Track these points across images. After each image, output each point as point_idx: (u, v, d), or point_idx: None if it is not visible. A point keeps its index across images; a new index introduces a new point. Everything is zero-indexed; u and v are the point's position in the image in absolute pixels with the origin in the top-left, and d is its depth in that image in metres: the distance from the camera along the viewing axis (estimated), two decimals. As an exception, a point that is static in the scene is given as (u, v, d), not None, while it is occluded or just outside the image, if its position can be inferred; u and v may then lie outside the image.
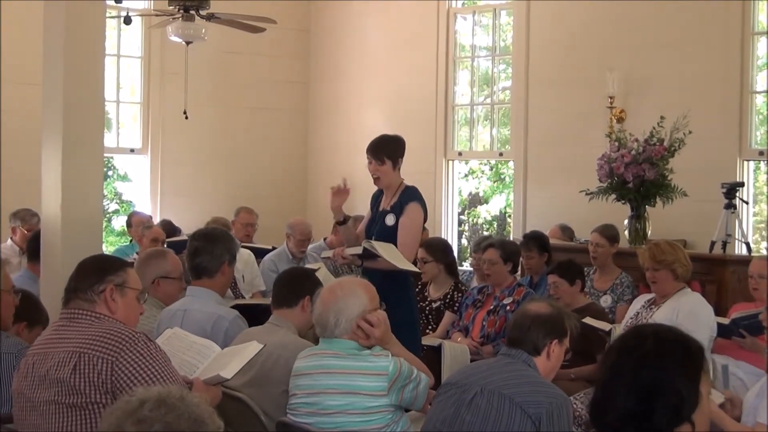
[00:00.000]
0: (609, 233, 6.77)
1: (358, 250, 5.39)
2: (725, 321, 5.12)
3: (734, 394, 4.12)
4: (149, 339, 3.18)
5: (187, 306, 4.46)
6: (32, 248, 5.89)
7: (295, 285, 4.33)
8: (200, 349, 3.64)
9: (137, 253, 7.37)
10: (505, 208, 12.83)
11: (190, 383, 3.36)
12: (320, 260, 7.22)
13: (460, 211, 10.91)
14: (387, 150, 5.55)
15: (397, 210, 5.50)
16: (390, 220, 5.51)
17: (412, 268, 5.48)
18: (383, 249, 5.26)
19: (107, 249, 9.67)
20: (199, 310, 4.39)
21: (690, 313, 4.93)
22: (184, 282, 4.85)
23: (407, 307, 5.40)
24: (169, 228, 8.51)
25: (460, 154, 9.96)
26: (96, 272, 3.30)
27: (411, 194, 5.53)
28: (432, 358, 5.84)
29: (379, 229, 5.56)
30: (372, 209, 5.77)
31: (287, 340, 4.08)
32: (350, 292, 3.71)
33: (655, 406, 2.17)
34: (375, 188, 5.74)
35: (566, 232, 8.05)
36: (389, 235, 5.46)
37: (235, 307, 4.98)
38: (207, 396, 3.25)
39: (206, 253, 4.55)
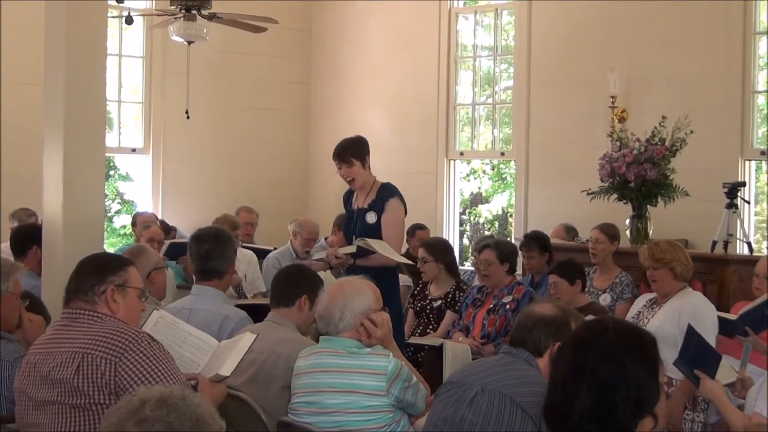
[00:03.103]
0: (610, 231, 6.77)
1: (352, 249, 5.48)
2: (732, 317, 5.10)
3: (747, 376, 4.13)
4: (153, 339, 3.17)
5: (193, 305, 4.46)
6: (16, 246, 5.80)
7: (292, 284, 4.33)
8: (198, 343, 3.62)
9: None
10: (507, 207, 12.82)
11: (193, 378, 3.36)
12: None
13: (461, 210, 10.91)
14: (351, 151, 5.69)
15: (378, 207, 5.63)
16: (371, 217, 5.64)
17: (406, 260, 5.75)
18: (377, 245, 5.42)
19: (109, 249, 9.67)
20: (206, 310, 4.39)
21: (693, 314, 4.92)
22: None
23: (395, 302, 5.49)
24: (163, 228, 8.51)
25: (461, 153, 9.96)
26: (96, 273, 3.29)
27: (389, 191, 5.69)
28: (433, 357, 5.86)
29: (360, 227, 5.68)
30: (345, 209, 5.90)
31: (287, 336, 4.08)
32: (357, 289, 3.76)
33: (617, 401, 2.18)
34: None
35: (570, 232, 8.04)
36: (371, 233, 5.59)
37: (237, 307, 4.99)
38: (213, 393, 3.26)
39: (219, 256, 4.59)
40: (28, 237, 5.74)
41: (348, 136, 5.96)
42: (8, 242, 7.69)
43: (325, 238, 8.53)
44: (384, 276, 5.29)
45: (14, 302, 3.89)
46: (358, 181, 5.71)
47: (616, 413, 2.17)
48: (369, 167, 5.71)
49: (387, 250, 5.42)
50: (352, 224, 5.77)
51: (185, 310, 4.39)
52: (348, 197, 5.88)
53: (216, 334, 4.05)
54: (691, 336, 4.22)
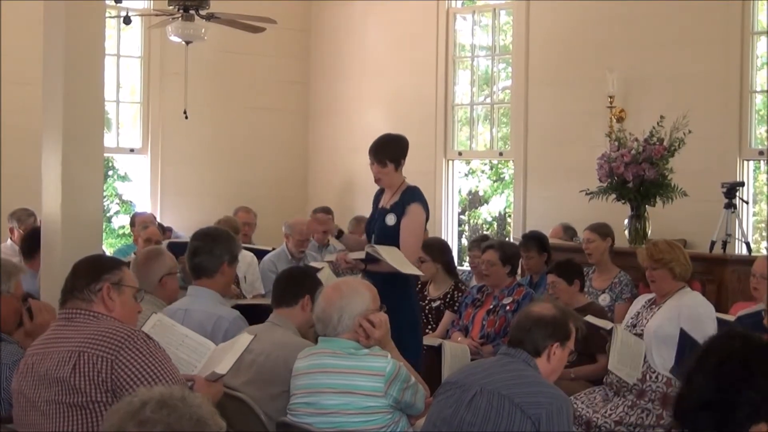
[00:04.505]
0: (601, 229, 6.79)
1: (362, 254, 5.37)
2: (730, 318, 5.11)
3: None
4: (148, 337, 3.19)
5: (188, 306, 4.46)
6: (27, 246, 5.94)
7: (295, 284, 4.34)
8: (194, 346, 3.63)
9: (134, 253, 7.37)
10: (505, 208, 12.82)
11: (191, 380, 3.36)
12: (320, 260, 7.23)
13: (460, 211, 10.91)
14: (389, 153, 5.53)
15: (399, 210, 5.48)
16: (391, 219, 5.50)
17: (416, 271, 5.47)
18: (386, 253, 5.24)
19: (107, 249, 9.67)
20: (200, 310, 4.39)
21: (692, 314, 4.92)
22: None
23: (408, 307, 5.40)
24: (159, 228, 8.49)
25: (460, 153, 9.96)
26: (92, 271, 3.32)
27: (413, 195, 5.52)
28: (432, 358, 5.85)
29: (379, 227, 5.55)
30: (373, 206, 5.77)
31: (287, 339, 4.09)
32: (354, 290, 3.76)
33: (739, 401, 2.23)
34: (376, 188, 5.74)
35: (568, 231, 8.04)
36: (389, 235, 5.45)
37: (235, 307, 4.98)
38: (210, 393, 3.26)
39: (206, 253, 4.54)
40: (38, 240, 5.73)
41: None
42: (8, 242, 7.76)
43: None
44: (397, 282, 5.22)
45: (14, 304, 3.89)
46: (384, 181, 5.57)
47: (735, 412, 2.23)
48: (401, 170, 5.57)
49: (396, 259, 5.24)
50: (373, 223, 5.66)
51: (180, 311, 4.39)
52: (378, 195, 5.73)
53: (210, 335, 4.06)
54: (685, 340, 4.22)
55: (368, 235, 5.72)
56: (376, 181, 5.61)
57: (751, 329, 4.93)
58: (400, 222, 5.47)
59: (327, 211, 8.60)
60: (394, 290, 5.07)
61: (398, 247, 5.40)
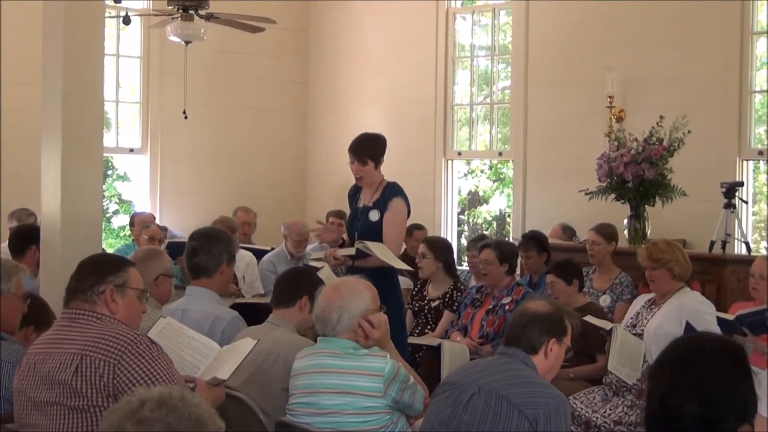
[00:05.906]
0: (606, 231, 6.77)
1: (351, 251, 5.46)
2: (729, 317, 5.11)
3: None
4: (152, 341, 3.17)
5: (186, 306, 4.46)
6: (15, 245, 5.87)
7: (293, 285, 4.35)
8: (200, 347, 3.63)
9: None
10: (505, 209, 12.81)
11: (193, 381, 3.36)
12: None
13: (460, 211, 10.92)
14: (368, 151, 5.64)
15: (381, 206, 5.60)
16: (374, 215, 5.61)
17: (405, 266, 5.62)
18: (376, 249, 5.36)
19: (107, 250, 9.66)
20: (198, 310, 4.39)
21: (694, 313, 4.92)
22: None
23: (394, 301, 5.44)
24: None
25: (459, 153, 9.96)
26: (96, 272, 3.29)
27: (394, 190, 5.65)
28: (431, 357, 5.86)
29: (362, 225, 5.65)
30: (350, 205, 5.86)
31: (286, 338, 4.09)
32: (354, 290, 3.75)
33: (722, 413, 2.28)
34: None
35: (567, 231, 8.05)
36: (373, 231, 5.56)
37: (234, 306, 4.98)
38: (210, 396, 3.26)
39: (204, 252, 4.54)
40: (26, 237, 5.78)
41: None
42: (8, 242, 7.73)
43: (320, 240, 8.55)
44: (383, 277, 5.26)
45: (15, 304, 3.87)
46: (366, 179, 5.67)
47: (721, 425, 2.28)
48: (380, 167, 5.68)
49: (386, 255, 5.37)
50: (355, 222, 5.73)
51: (178, 311, 4.39)
52: (354, 193, 5.82)
53: (207, 335, 4.05)
54: (691, 332, 4.21)
55: (350, 234, 5.81)
56: (357, 179, 5.70)
57: (751, 328, 4.95)
58: (383, 217, 5.59)
59: (340, 215, 8.59)
60: (379, 287, 5.09)
61: (381, 241, 5.53)
